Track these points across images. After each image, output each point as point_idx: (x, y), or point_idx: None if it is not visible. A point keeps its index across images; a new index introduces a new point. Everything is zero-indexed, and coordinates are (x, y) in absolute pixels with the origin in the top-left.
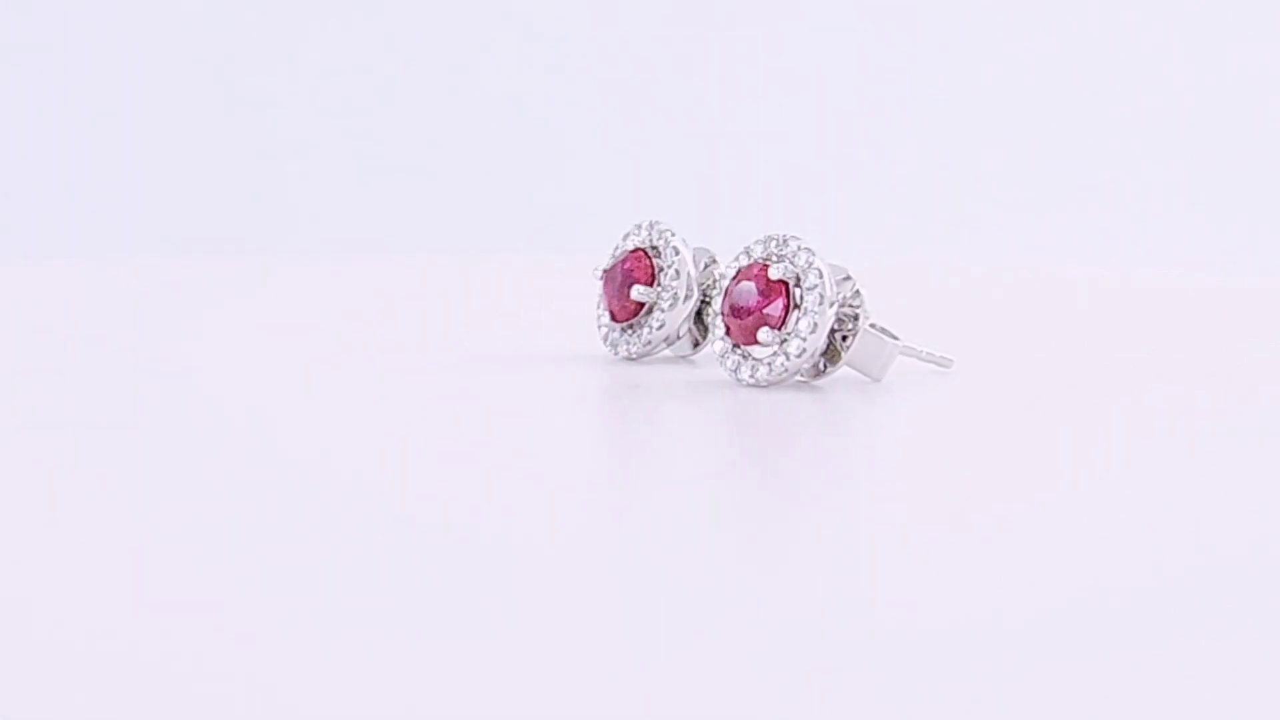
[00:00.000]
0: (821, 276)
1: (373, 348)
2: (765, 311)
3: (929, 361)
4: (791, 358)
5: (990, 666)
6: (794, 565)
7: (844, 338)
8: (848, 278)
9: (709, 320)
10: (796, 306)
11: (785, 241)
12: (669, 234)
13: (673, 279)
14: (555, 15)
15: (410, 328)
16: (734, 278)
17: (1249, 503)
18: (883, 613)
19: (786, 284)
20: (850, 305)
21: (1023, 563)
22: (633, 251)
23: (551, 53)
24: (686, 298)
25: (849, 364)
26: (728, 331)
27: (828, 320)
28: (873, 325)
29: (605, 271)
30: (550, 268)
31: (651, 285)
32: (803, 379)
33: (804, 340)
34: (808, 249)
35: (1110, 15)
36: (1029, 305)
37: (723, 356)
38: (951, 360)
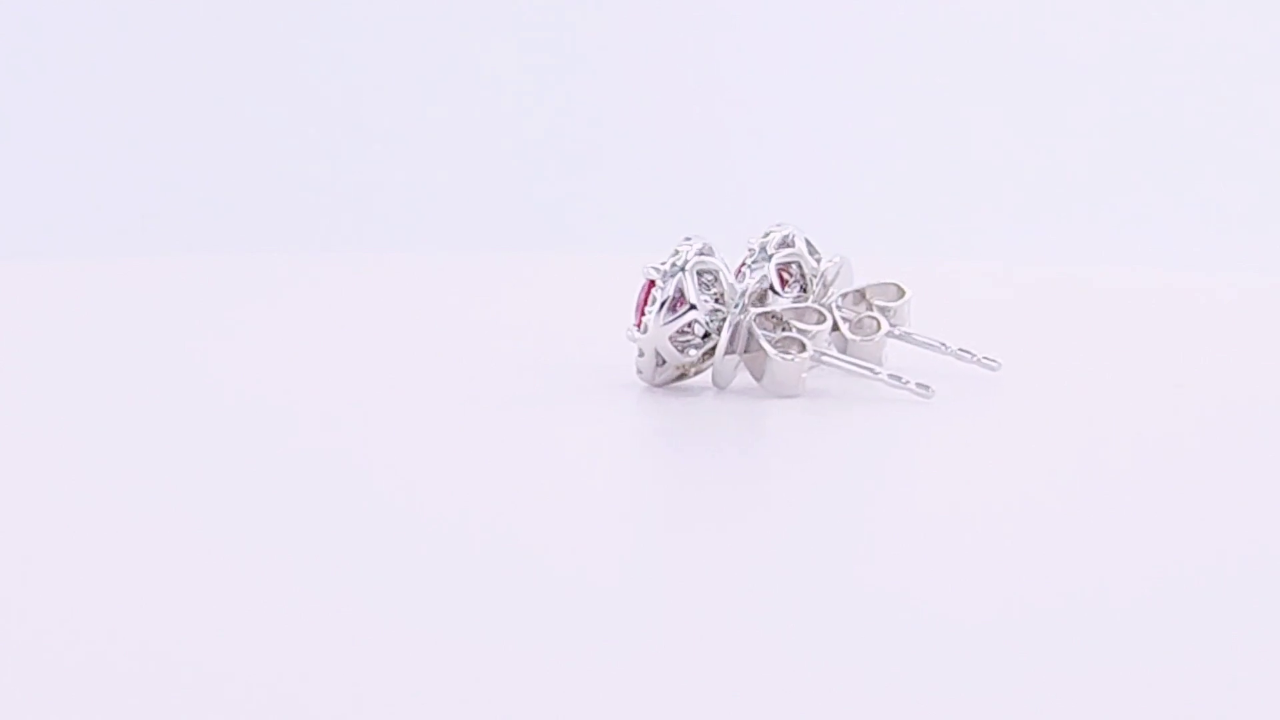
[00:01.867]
0: (667, 280)
1: (368, 346)
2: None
3: (894, 387)
4: (637, 359)
5: (1000, 666)
6: (796, 568)
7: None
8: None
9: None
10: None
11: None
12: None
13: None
14: (557, 14)
15: (409, 328)
16: None
17: (1250, 503)
18: (892, 612)
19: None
20: (718, 306)
21: (1024, 562)
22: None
23: (552, 52)
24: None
25: (757, 378)
26: None
27: (660, 322)
28: (786, 333)
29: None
30: (548, 268)
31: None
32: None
33: (638, 342)
34: (676, 249)
35: (1117, 13)
36: (1031, 305)
37: None
38: (929, 389)
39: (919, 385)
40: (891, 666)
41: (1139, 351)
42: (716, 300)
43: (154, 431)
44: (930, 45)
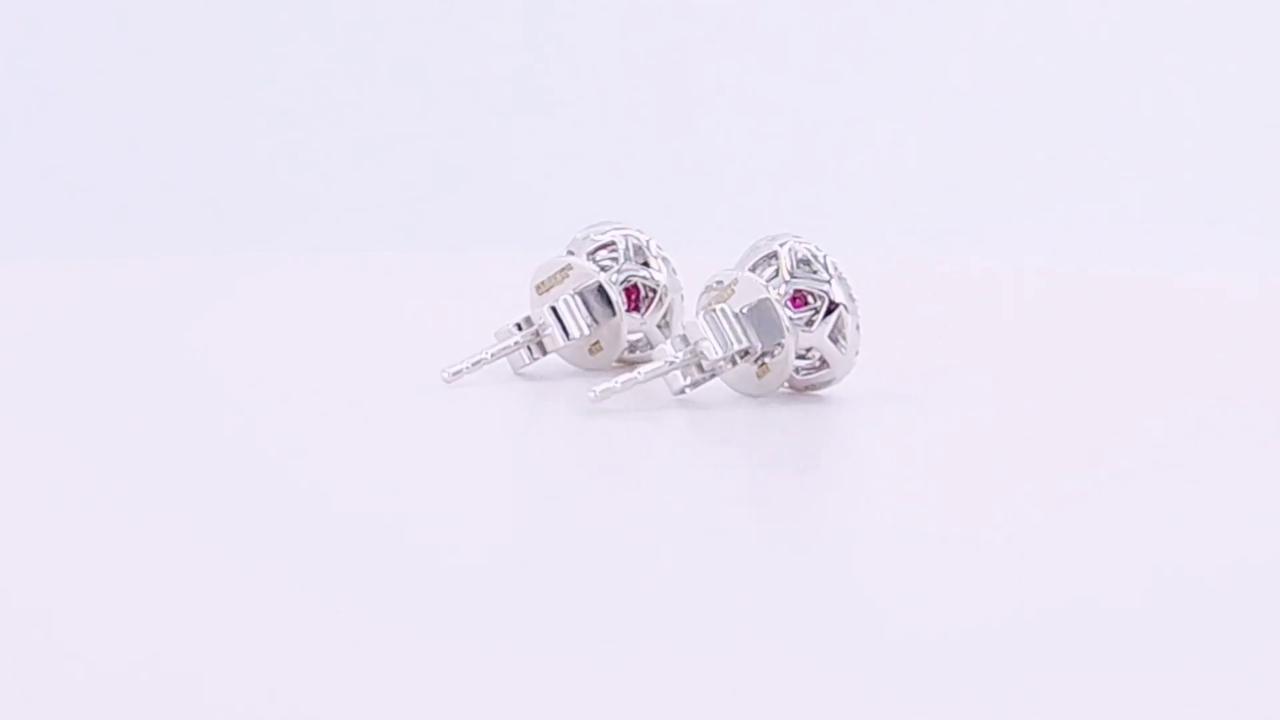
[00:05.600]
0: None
1: (365, 346)
2: None
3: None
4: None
5: (987, 675)
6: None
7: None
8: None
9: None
10: None
11: None
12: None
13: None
14: (558, 13)
15: (406, 327)
16: None
17: (1250, 505)
18: (861, 622)
19: None
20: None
21: (1020, 563)
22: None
23: (550, 49)
24: None
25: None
26: None
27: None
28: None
29: None
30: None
31: None
32: None
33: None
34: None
35: (1118, 11)
36: (1031, 305)
37: None
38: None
39: (452, 374)
40: (874, 671)
41: (1138, 352)
42: None
43: (149, 430)
44: (928, 44)
